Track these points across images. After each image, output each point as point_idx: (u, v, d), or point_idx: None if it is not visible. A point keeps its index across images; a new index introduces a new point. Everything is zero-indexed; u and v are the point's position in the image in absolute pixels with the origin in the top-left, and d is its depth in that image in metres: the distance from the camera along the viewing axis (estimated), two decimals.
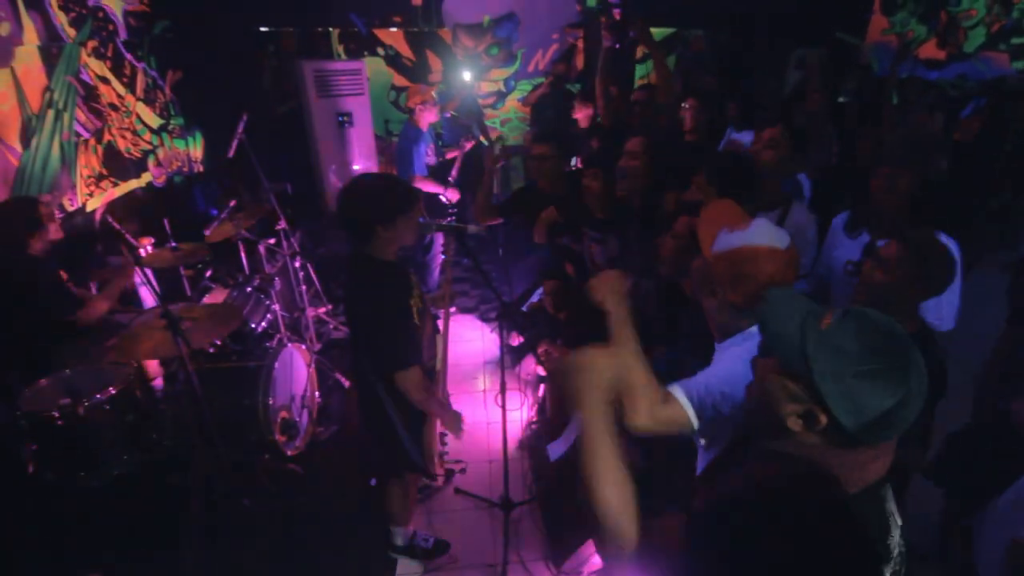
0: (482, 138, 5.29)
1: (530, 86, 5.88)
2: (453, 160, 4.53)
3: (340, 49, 5.97)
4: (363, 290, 1.97)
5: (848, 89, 4.70)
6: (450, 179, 4.38)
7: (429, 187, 4.16)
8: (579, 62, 5.72)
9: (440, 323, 2.36)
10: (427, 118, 4.11)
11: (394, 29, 5.97)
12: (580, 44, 5.73)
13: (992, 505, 1.58)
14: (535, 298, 3.44)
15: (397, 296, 1.97)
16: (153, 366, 3.11)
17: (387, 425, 2.07)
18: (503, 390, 2.40)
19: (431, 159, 4.27)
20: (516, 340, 3.74)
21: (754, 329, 1.30)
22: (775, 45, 5.68)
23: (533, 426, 3.19)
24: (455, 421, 2.16)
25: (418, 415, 2.11)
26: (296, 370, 3.14)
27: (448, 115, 4.80)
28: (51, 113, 3.51)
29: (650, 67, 5.57)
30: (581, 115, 4.36)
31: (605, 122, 3.85)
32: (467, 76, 5.10)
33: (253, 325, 3.29)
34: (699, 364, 1.77)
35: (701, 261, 1.39)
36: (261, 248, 3.66)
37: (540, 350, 2.81)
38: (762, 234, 1.30)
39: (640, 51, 5.72)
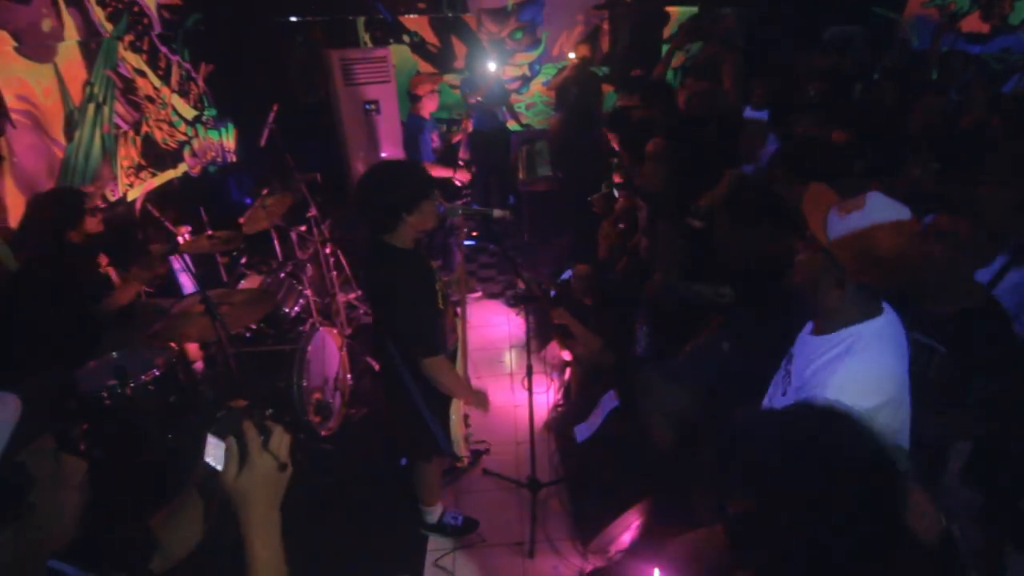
0: (511, 123, 5.27)
1: (554, 69, 5.83)
2: (458, 144, 4.58)
3: (366, 37, 6.01)
4: (387, 279, 1.98)
5: (885, 66, 4.54)
6: (460, 161, 4.43)
7: (439, 172, 4.23)
8: (604, 44, 5.64)
9: (459, 308, 2.40)
10: (430, 107, 4.19)
11: (413, 16, 5.98)
12: (605, 26, 5.65)
13: None
14: (565, 275, 3.46)
15: (422, 283, 2.00)
16: (194, 349, 3.24)
17: (413, 410, 2.11)
18: (529, 373, 2.44)
19: (436, 144, 4.35)
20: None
21: (866, 326, 1.27)
22: (809, 22, 5.50)
23: (559, 408, 3.23)
24: (481, 399, 2.20)
25: (443, 399, 2.15)
26: (328, 353, 3.23)
27: (474, 101, 4.81)
28: (92, 106, 3.64)
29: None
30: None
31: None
32: (492, 67, 5.09)
33: (286, 310, 3.39)
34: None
35: (810, 253, 1.32)
36: (293, 235, 3.75)
37: (555, 313, 2.83)
38: (882, 210, 1.22)
39: (667, 32, 5.62)
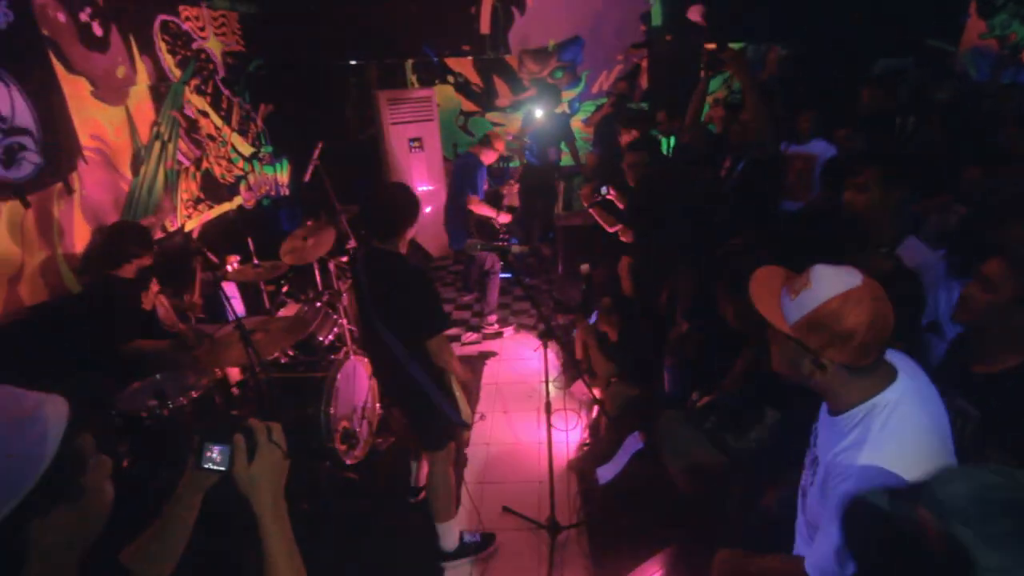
0: (564, 154, 5.31)
1: (593, 107, 5.91)
2: (502, 195, 4.72)
3: (413, 78, 6.29)
4: (396, 274, 2.24)
5: (940, 99, 4.36)
6: (503, 204, 4.56)
7: (484, 210, 4.34)
8: (643, 81, 5.69)
9: None
10: (490, 158, 4.40)
11: (458, 57, 6.22)
12: (644, 64, 5.71)
13: None
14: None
15: (427, 274, 2.29)
16: (235, 373, 3.37)
17: (422, 398, 2.30)
18: (548, 410, 2.41)
19: (486, 186, 4.50)
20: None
21: (882, 397, 1.17)
22: (859, 55, 5.37)
23: (584, 447, 3.15)
24: (466, 372, 2.48)
25: (443, 377, 2.37)
26: (358, 382, 3.29)
27: (510, 138, 4.93)
28: (157, 144, 3.94)
29: (719, 84, 5.43)
30: (626, 139, 4.28)
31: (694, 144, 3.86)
32: (538, 114, 5.19)
33: (321, 338, 3.49)
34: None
35: (781, 342, 1.25)
36: (332, 266, 3.88)
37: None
38: (829, 281, 1.16)
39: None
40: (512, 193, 4.79)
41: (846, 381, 1.19)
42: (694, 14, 3.67)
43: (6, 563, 0.70)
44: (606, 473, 2.72)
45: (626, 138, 4.16)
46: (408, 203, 2.27)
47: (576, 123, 6.33)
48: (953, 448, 1.20)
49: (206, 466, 0.98)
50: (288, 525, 0.99)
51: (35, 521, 0.71)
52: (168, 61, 4.10)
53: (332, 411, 2.93)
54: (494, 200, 4.66)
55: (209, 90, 4.67)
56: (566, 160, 5.50)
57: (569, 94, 6.25)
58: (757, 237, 2.37)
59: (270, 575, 0.94)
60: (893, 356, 1.24)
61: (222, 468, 0.97)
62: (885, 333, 1.14)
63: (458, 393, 2.40)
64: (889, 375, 1.20)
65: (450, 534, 2.55)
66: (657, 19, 5.69)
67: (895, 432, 1.14)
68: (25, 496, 0.69)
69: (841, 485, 1.15)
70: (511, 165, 5.50)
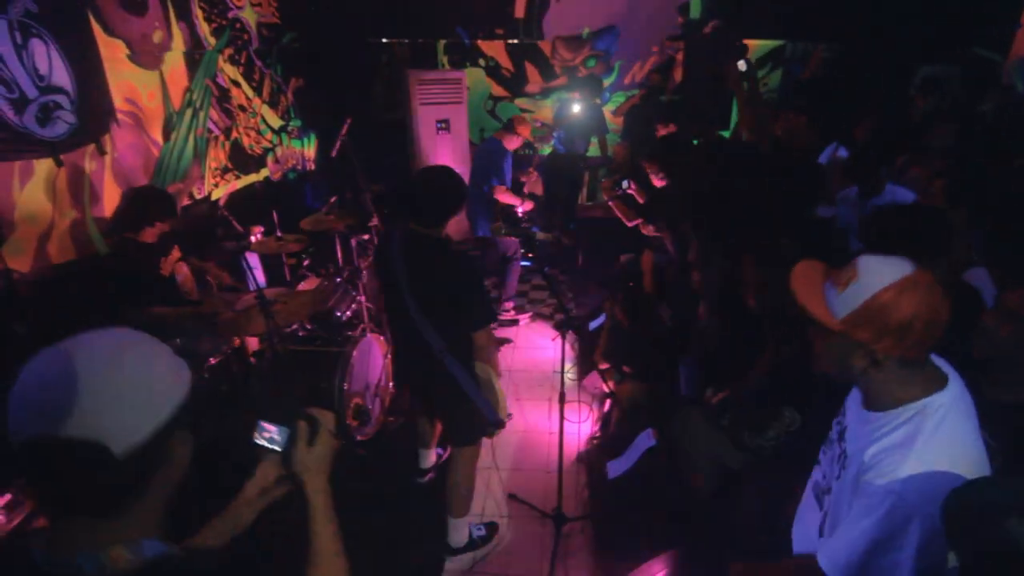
0: (592, 144, 5.22)
1: (624, 97, 5.82)
2: (522, 183, 4.70)
3: (444, 60, 6.25)
4: (443, 262, 2.14)
5: (984, 111, 4.22)
6: (525, 192, 4.53)
7: (508, 198, 4.30)
8: (677, 75, 5.58)
9: None
10: (514, 144, 4.37)
11: (491, 40, 6.16)
12: (679, 57, 5.59)
13: None
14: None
15: (475, 262, 2.17)
16: (254, 343, 3.41)
17: (458, 392, 2.20)
18: (561, 400, 2.40)
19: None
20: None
21: (935, 399, 1.12)
22: (902, 62, 5.21)
23: (595, 440, 3.14)
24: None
25: (477, 369, 2.28)
26: (373, 360, 3.31)
27: (538, 124, 4.88)
28: (189, 111, 3.97)
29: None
30: (662, 133, 4.25)
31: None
32: (575, 108, 5.10)
33: (339, 313, 3.51)
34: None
35: (827, 339, 1.19)
36: (353, 243, 3.89)
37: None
38: (879, 272, 1.11)
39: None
40: (532, 182, 4.76)
41: (898, 377, 1.14)
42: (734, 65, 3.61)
43: (148, 467, 0.75)
44: (616, 468, 2.71)
45: (662, 132, 4.11)
46: (459, 188, 2.20)
47: (605, 113, 6.26)
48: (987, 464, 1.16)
49: (258, 442, 1.01)
50: (334, 510, 1.02)
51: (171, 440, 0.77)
52: (204, 29, 4.11)
53: (346, 386, 2.95)
54: (514, 188, 4.64)
55: (242, 60, 4.69)
56: (593, 151, 5.44)
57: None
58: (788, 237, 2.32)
59: (316, 556, 0.98)
60: (939, 361, 1.20)
61: (276, 448, 1.01)
62: (941, 323, 1.09)
63: (498, 387, 2.30)
64: (940, 377, 1.16)
65: (461, 530, 2.53)
66: (695, 11, 5.57)
67: (948, 437, 1.09)
68: (175, 410, 0.76)
69: (882, 483, 1.10)
70: (538, 153, 5.47)
